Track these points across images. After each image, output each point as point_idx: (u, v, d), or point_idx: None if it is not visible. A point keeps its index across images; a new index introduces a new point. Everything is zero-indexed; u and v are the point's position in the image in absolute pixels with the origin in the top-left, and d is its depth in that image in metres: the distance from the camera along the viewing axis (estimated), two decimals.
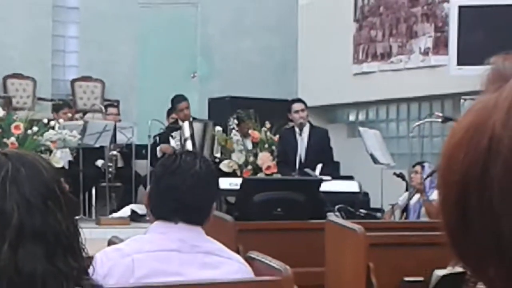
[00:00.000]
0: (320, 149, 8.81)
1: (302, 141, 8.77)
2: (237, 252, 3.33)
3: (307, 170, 8.15)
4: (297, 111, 8.86)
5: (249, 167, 9.48)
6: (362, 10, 10.80)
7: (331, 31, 10.97)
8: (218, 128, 9.71)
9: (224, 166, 9.37)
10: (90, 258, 1.58)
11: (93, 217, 9.30)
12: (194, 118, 9.87)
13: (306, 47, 11.65)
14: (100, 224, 8.64)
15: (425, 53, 9.72)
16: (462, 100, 8.10)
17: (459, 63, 8.18)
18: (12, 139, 8.10)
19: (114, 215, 9.16)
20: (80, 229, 1.47)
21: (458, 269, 3.68)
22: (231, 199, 7.94)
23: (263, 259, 2.84)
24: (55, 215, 1.40)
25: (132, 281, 2.52)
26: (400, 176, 7.87)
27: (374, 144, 8.49)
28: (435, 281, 3.94)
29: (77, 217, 1.53)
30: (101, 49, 12.52)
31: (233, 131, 9.91)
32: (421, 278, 4.08)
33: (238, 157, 9.54)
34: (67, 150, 9.32)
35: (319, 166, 8.47)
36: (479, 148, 0.74)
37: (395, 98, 10.35)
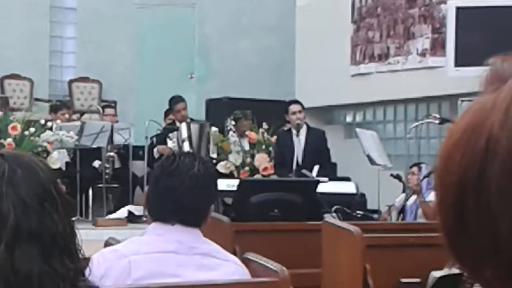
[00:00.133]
0: (317, 150, 8.81)
1: (299, 142, 8.77)
2: (234, 253, 3.33)
3: (304, 171, 8.16)
4: (294, 113, 8.86)
5: (246, 168, 9.48)
6: (360, 11, 10.81)
7: (329, 32, 10.97)
8: (214, 128, 9.70)
9: (221, 167, 9.36)
10: (87, 259, 1.58)
11: (90, 218, 9.29)
12: (191, 119, 9.87)
13: (303, 48, 11.65)
14: (97, 225, 8.63)
15: (423, 54, 9.73)
16: (459, 101, 8.10)
17: (457, 64, 8.18)
18: (9, 140, 8.10)
19: (111, 216, 9.15)
20: (76, 230, 1.47)
21: (455, 270, 3.68)
22: (228, 200, 7.93)
23: (259, 260, 2.84)
24: (51, 216, 1.40)
25: (129, 282, 2.52)
26: (397, 177, 7.87)
27: (371, 145, 8.49)
28: (431, 283, 3.94)
29: (73, 218, 1.53)
30: (99, 50, 12.52)
31: (230, 132, 9.91)
32: (417, 280, 4.08)
33: (235, 158, 9.53)
34: (64, 151, 9.32)
35: (316, 168, 8.47)
36: (477, 149, 0.74)
37: (392, 99, 10.36)
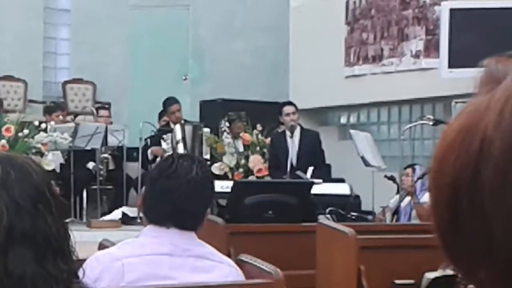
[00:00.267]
0: (311, 151, 8.81)
1: (293, 144, 8.77)
2: (228, 255, 3.32)
3: (299, 172, 8.15)
4: (288, 114, 8.87)
5: (241, 169, 9.48)
6: (354, 13, 10.82)
7: (323, 34, 10.98)
8: (206, 129, 9.68)
9: (215, 168, 9.35)
10: (81, 261, 1.58)
11: (84, 219, 9.28)
12: (185, 121, 9.86)
13: (297, 49, 11.65)
14: (91, 227, 8.62)
15: (416, 56, 9.74)
16: (453, 103, 8.12)
17: (450, 66, 8.20)
18: (3, 141, 8.09)
19: (105, 217, 9.14)
20: (70, 232, 1.46)
21: (449, 271, 3.69)
22: (222, 202, 7.92)
23: (254, 262, 2.84)
24: (45, 218, 1.40)
25: (122, 285, 2.51)
26: (391, 178, 7.88)
27: (365, 147, 8.49)
28: (425, 284, 3.94)
29: (67, 220, 1.53)
30: (93, 51, 12.51)
31: (225, 133, 9.91)
32: (412, 281, 4.08)
33: (229, 160, 9.53)
34: (59, 152, 9.31)
35: (311, 169, 8.47)
36: (471, 151, 0.74)
37: (386, 101, 10.37)
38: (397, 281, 4.16)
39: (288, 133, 8.80)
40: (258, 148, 9.65)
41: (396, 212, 7.26)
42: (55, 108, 10.71)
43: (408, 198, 7.21)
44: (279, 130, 9.33)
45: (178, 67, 13.09)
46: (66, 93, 12.53)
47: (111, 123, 10.30)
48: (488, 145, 0.72)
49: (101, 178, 9.61)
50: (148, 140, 9.85)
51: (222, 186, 7.50)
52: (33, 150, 8.29)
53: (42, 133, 8.46)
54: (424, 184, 7.00)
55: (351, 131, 9.02)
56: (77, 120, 10.76)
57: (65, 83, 12.63)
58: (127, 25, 12.80)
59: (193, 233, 2.66)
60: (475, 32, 8.03)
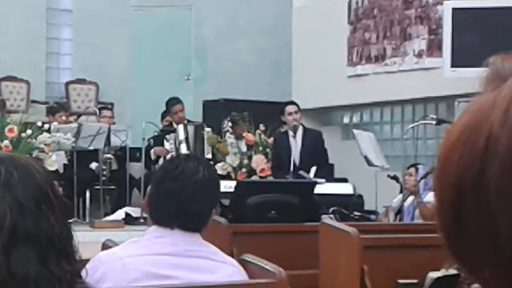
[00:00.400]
0: (314, 151, 8.81)
1: (296, 143, 8.77)
2: (231, 254, 3.32)
3: (301, 172, 8.15)
4: (290, 113, 8.86)
5: (243, 169, 9.48)
6: (356, 13, 10.81)
7: (325, 34, 10.98)
8: (207, 129, 9.68)
9: (218, 168, 9.35)
10: (84, 261, 1.58)
11: (87, 220, 9.28)
12: (188, 121, 9.86)
13: (300, 49, 11.65)
14: (94, 227, 8.63)
15: (419, 55, 9.73)
16: (456, 102, 8.11)
17: (453, 65, 8.19)
18: (6, 142, 8.09)
19: (108, 218, 9.15)
20: (73, 232, 1.46)
21: (452, 271, 3.68)
22: (225, 202, 7.92)
23: (257, 262, 2.84)
24: (48, 219, 1.40)
25: (124, 284, 2.51)
26: (394, 178, 7.87)
27: (368, 146, 8.49)
28: (429, 283, 3.94)
29: (70, 220, 1.53)
30: (95, 51, 12.52)
31: (227, 133, 9.91)
32: (415, 281, 4.08)
33: (232, 160, 9.53)
34: (62, 153, 9.31)
35: (314, 169, 8.47)
36: (475, 149, 0.74)
37: (389, 101, 10.36)
38: (401, 281, 4.15)
39: (290, 132, 8.80)
40: (261, 148, 9.65)
41: (399, 211, 7.25)
42: (58, 108, 10.72)
43: (411, 198, 7.20)
44: (282, 130, 9.32)
45: (181, 67, 13.10)
46: (69, 93, 12.54)
47: (114, 123, 10.31)
48: (494, 143, 0.72)
49: (104, 179, 9.61)
50: (151, 140, 9.85)
51: (225, 186, 7.48)
52: (36, 151, 8.30)
53: (45, 134, 8.48)
54: (427, 184, 7.00)
55: (354, 130, 9.02)
56: (80, 120, 10.78)
57: (68, 83, 12.63)
58: (130, 25, 12.81)
59: (197, 234, 2.65)
60: (477, 31, 8.02)
